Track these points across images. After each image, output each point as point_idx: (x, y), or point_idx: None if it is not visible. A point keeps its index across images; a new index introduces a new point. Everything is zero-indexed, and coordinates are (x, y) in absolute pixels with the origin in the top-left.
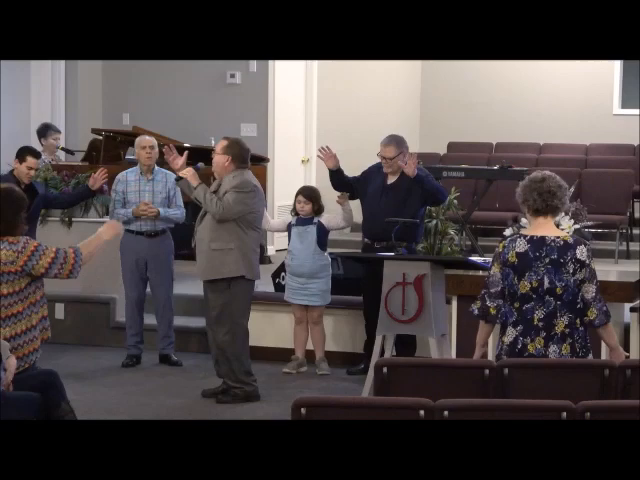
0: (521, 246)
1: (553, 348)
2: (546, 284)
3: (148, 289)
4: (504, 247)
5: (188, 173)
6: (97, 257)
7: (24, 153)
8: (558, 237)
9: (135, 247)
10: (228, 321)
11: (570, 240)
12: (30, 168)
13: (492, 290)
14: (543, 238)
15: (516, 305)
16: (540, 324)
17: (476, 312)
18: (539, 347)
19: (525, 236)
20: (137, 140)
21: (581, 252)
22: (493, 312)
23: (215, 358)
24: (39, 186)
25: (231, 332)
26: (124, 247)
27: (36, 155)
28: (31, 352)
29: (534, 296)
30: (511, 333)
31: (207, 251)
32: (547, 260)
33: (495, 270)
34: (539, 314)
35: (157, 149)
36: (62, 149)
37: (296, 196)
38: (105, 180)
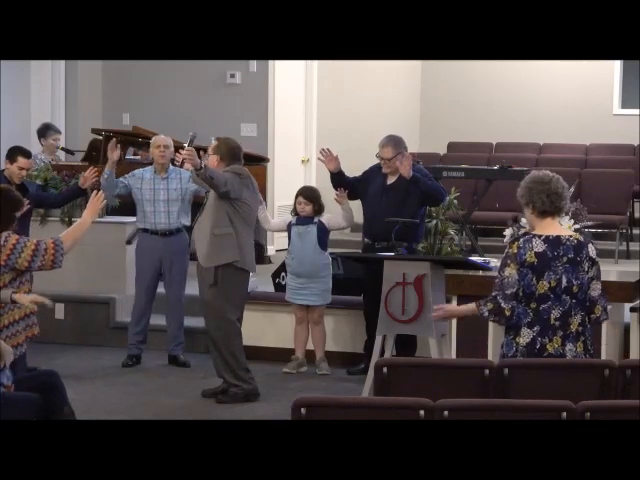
0: (539, 246)
1: (569, 347)
2: (564, 283)
3: (160, 289)
4: (519, 248)
5: (191, 154)
6: (97, 257)
7: (15, 153)
8: (571, 236)
9: (151, 246)
10: (220, 316)
11: (581, 238)
12: (21, 168)
13: (507, 292)
14: (559, 237)
15: (532, 305)
16: (557, 323)
17: (486, 314)
18: (557, 346)
19: (540, 236)
20: (152, 139)
21: (592, 250)
22: (508, 314)
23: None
24: (30, 186)
25: (223, 328)
26: (139, 246)
27: (27, 155)
28: (14, 347)
29: (552, 296)
30: (527, 334)
31: (209, 237)
32: (565, 259)
33: (511, 271)
34: (555, 313)
35: (172, 148)
36: (62, 149)
37: (296, 197)
38: (95, 179)
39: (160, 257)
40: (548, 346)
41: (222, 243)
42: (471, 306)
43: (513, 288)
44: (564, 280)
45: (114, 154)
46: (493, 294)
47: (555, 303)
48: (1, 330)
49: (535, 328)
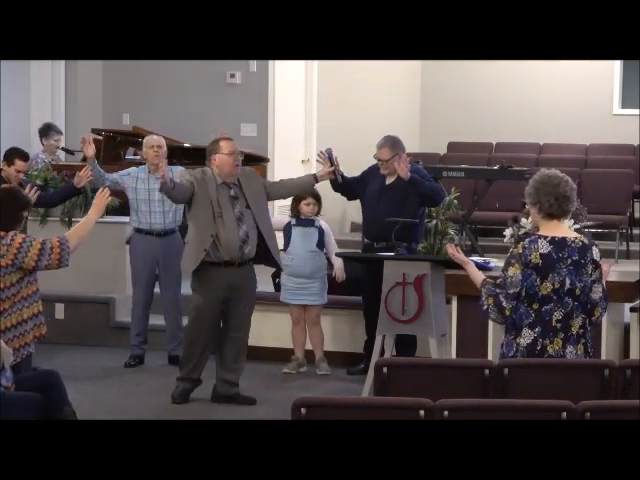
0: (544, 247)
1: (570, 349)
2: (567, 285)
3: (155, 289)
4: (524, 248)
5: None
6: (97, 257)
7: (12, 156)
8: (576, 238)
9: (145, 247)
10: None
11: (586, 241)
12: (18, 171)
13: (510, 291)
14: (564, 239)
15: (534, 306)
16: (558, 325)
17: (485, 307)
18: (557, 348)
19: (545, 237)
20: (145, 139)
21: (596, 253)
22: (508, 313)
23: (228, 366)
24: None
25: None
26: (134, 247)
27: (24, 158)
28: (22, 346)
29: (554, 297)
30: (528, 335)
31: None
32: (569, 261)
33: (515, 271)
34: (557, 315)
35: (165, 148)
36: (62, 149)
37: (303, 198)
38: (90, 178)
39: (156, 258)
40: (549, 347)
41: None
42: (478, 278)
43: (516, 288)
44: (567, 282)
45: (88, 149)
46: (497, 291)
47: (557, 305)
48: (9, 329)
49: (536, 329)
